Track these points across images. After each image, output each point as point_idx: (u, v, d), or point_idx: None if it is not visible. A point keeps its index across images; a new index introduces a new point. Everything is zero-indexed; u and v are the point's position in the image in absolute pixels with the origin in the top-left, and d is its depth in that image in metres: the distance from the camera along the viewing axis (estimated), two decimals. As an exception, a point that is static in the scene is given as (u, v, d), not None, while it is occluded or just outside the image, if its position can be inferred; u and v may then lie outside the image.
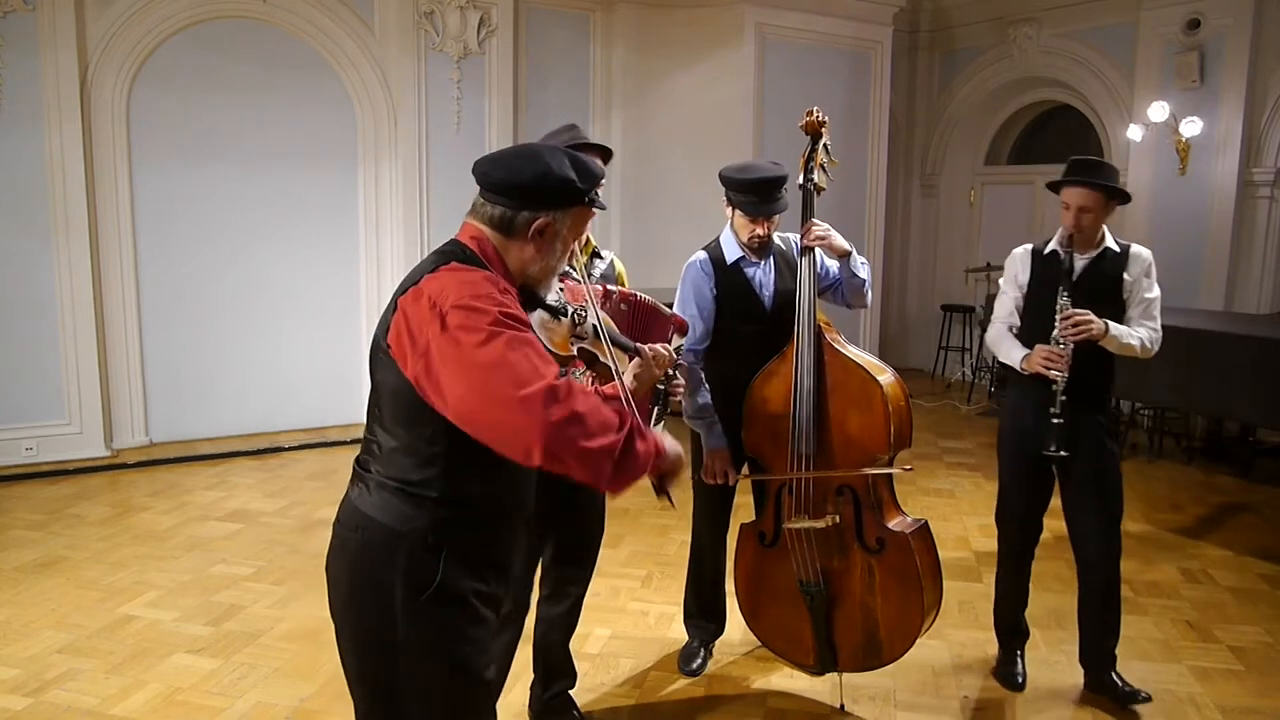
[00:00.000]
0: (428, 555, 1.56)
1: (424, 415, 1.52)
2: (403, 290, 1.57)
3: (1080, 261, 2.89)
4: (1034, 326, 2.94)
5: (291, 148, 6.03)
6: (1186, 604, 3.83)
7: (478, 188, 1.68)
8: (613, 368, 1.83)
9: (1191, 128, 6.38)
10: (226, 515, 4.79)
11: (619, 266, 2.84)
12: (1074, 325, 2.76)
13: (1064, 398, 2.78)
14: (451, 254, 1.62)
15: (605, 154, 2.64)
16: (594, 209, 1.71)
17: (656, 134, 7.12)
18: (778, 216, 2.96)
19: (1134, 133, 6.78)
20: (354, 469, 1.69)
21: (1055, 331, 2.79)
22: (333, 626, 1.67)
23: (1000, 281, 3.12)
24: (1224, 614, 3.73)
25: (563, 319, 1.79)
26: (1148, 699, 2.96)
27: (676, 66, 7.07)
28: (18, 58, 5.16)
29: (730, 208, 2.99)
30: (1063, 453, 2.80)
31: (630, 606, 3.77)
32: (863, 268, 3.03)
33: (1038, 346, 2.84)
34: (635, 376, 1.92)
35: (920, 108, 8.88)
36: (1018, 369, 2.93)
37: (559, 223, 1.65)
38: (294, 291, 6.16)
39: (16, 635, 3.42)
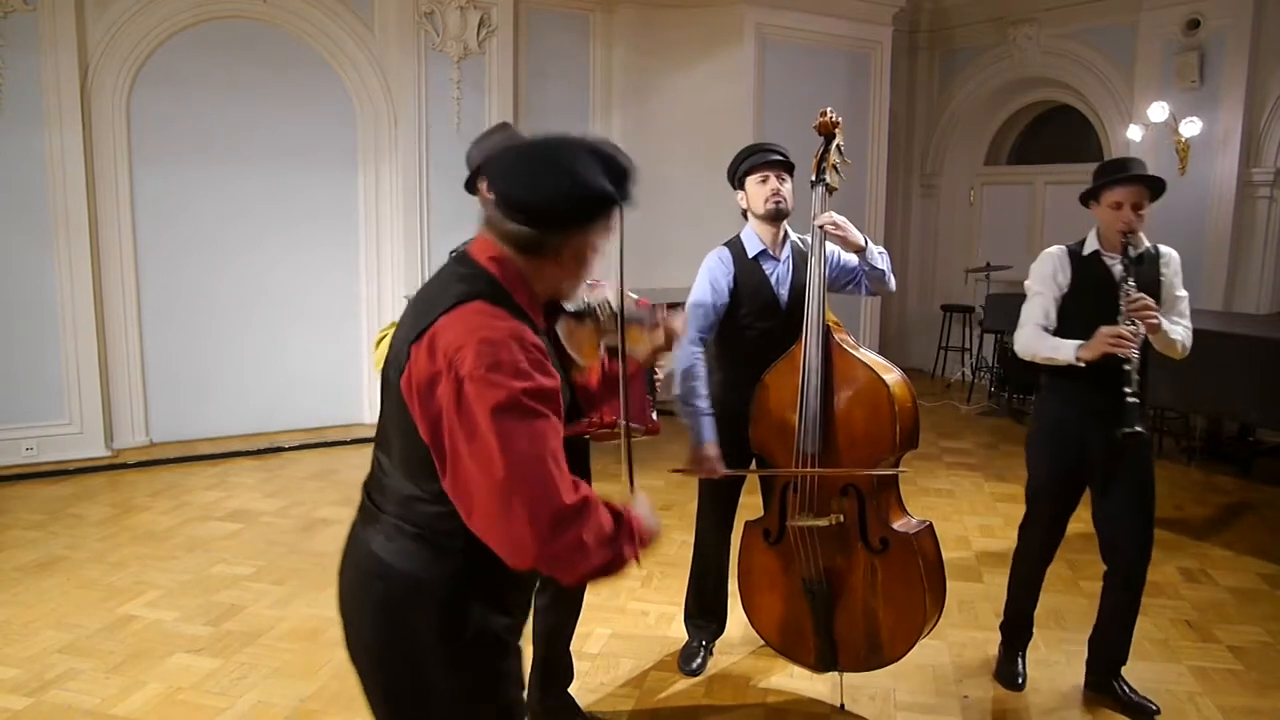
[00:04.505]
0: (457, 602, 1.48)
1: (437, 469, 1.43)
2: (416, 331, 1.40)
3: (1121, 262, 2.80)
4: (1074, 330, 2.82)
5: (291, 148, 6.03)
6: (1186, 604, 3.83)
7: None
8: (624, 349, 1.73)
9: (1191, 128, 6.38)
10: (226, 515, 4.78)
11: None
12: (1144, 308, 2.68)
13: (1139, 376, 2.70)
14: (474, 280, 1.44)
15: None
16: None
17: (656, 134, 7.11)
18: (790, 181, 2.98)
19: (1134, 133, 6.78)
20: (365, 503, 1.57)
21: (1123, 314, 2.68)
22: (339, 628, 1.63)
23: (1030, 284, 2.97)
24: (1224, 614, 3.73)
25: (588, 320, 1.71)
26: (1157, 711, 2.92)
27: (676, 67, 7.07)
28: (18, 58, 5.16)
29: (743, 194, 3.01)
30: (1139, 429, 2.68)
31: (630, 606, 3.76)
32: (880, 258, 3.04)
33: (1102, 329, 2.69)
34: (653, 349, 1.83)
35: (920, 108, 8.87)
36: (1073, 361, 2.75)
37: (593, 234, 1.48)
38: (294, 291, 6.16)
39: (16, 635, 3.41)
